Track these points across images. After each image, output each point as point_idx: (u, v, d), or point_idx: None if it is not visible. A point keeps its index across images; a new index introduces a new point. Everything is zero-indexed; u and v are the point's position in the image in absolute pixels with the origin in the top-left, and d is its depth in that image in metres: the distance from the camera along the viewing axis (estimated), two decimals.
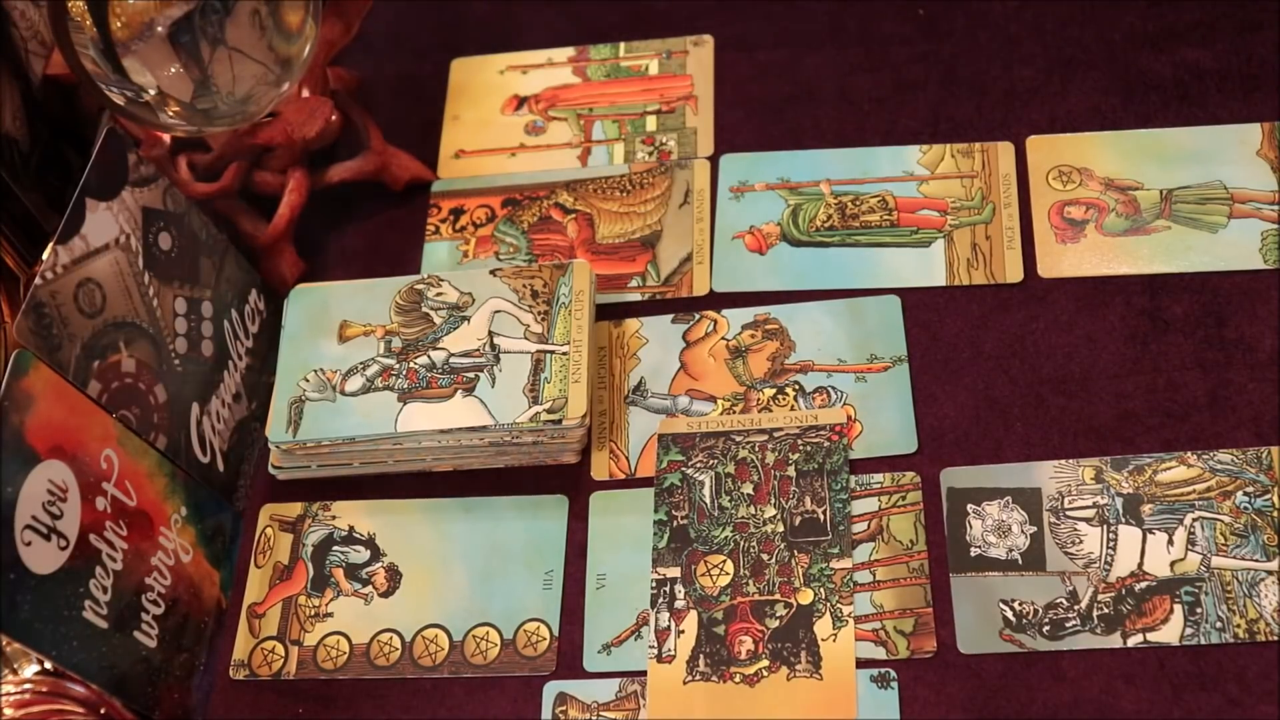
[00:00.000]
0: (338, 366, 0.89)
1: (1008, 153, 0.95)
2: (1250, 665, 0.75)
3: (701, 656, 0.78)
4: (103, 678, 0.77)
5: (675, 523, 0.82)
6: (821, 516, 0.80)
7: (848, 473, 0.83)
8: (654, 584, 0.81)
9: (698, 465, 0.83)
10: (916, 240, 0.92)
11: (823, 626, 0.77)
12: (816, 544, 0.79)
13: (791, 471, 0.83)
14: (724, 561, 0.80)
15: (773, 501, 0.82)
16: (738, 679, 0.77)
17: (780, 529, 0.80)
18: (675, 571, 0.81)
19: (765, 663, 0.77)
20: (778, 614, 0.78)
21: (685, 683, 0.77)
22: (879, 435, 0.85)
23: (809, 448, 0.83)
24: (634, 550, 0.83)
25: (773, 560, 0.79)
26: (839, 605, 0.78)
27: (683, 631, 0.79)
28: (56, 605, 0.74)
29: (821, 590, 0.78)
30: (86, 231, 0.82)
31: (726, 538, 0.81)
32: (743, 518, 0.81)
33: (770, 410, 0.86)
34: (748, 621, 0.78)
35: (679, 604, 0.79)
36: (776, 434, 0.84)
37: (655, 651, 0.78)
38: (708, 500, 0.82)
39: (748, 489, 0.82)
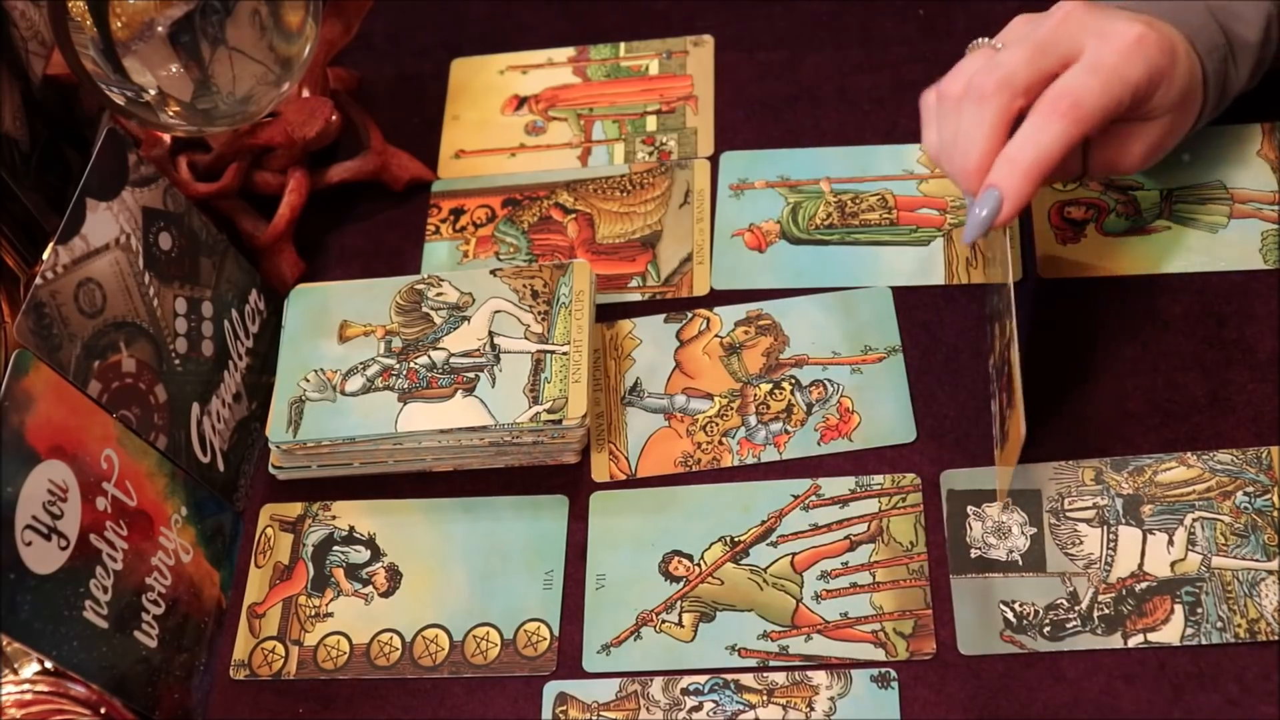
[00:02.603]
0: (338, 366, 0.89)
1: None
2: (1250, 665, 0.75)
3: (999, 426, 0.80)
4: (103, 678, 0.77)
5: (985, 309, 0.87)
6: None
7: None
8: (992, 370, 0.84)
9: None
10: (916, 239, 0.92)
11: (1013, 354, 0.78)
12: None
13: None
14: (1006, 325, 0.80)
15: None
16: (1009, 436, 0.78)
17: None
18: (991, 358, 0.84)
19: (1007, 411, 0.79)
20: (998, 363, 0.82)
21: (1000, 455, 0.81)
22: (877, 426, 0.85)
23: None
24: (634, 551, 0.83)
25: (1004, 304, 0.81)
26: (1010, 324, 0.79)
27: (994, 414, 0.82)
28: (57, 605, 0.74)
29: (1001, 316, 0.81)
30: (86, 231, 0.82)
31: (993, 305, 0.84)
32: None
33: (768, 405, 0.87)
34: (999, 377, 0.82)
35: (995, 384, 0.83)
36: None
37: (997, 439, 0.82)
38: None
39: None
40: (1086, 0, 0.81)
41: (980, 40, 0.83)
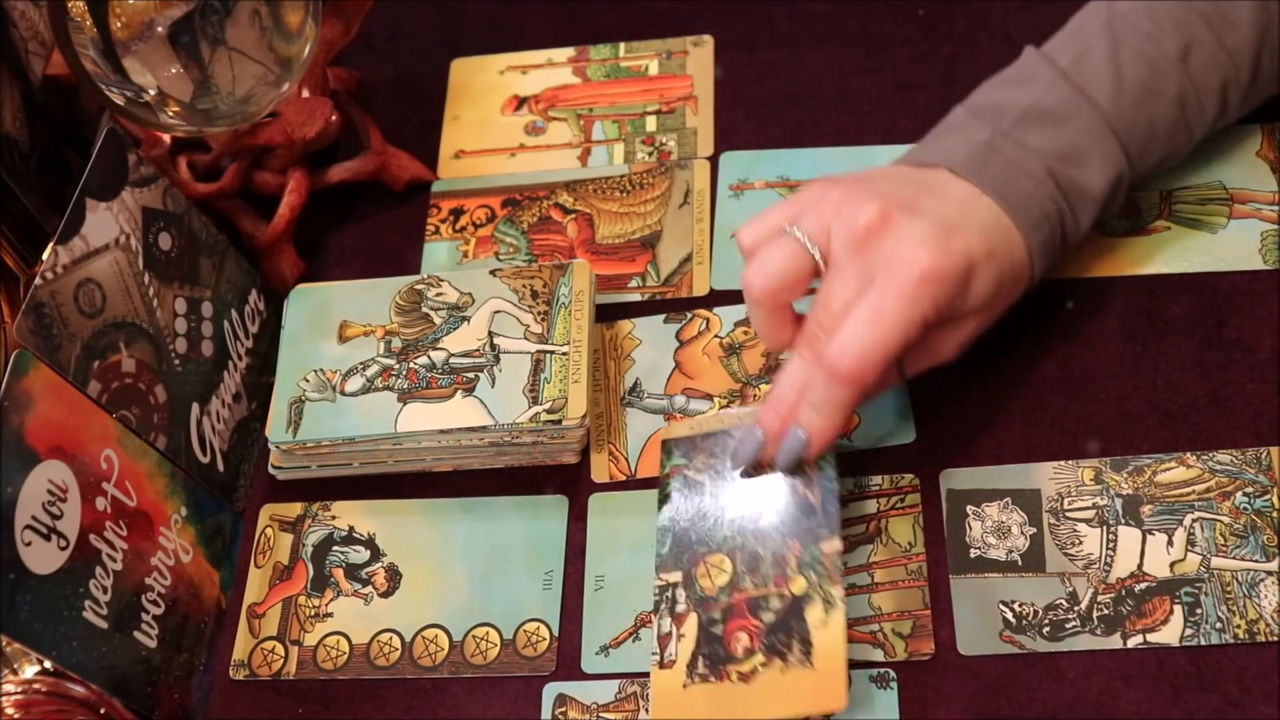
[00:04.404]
0: (338, 366, 0.89)
1: None
2: (1250, 665, 0.75)
3: (700, 658, 0.77)
4: (103, 678, 0.77)
5: (678, 528, 0.81)
6: (811, 498, 0.79)
7: (833, 454, 0.80)
8: (657, 590, 0.80)
9: (699, 467, 0.82)
10: None
11: (814, 614, 0.76)
12: (807, 529, 0.78)
13: None
14: (723, 560, 0.79)
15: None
16: (734, 677, 0.76)
17: (775, 519, 0.79)
18: (677, 576, 0.80)
19: (760, 658, 0.76)
20: (772, 607, 0.77)
21: (685, 686, 0.76)
22: (877, 426, 0.85)
23: None
24: (633, 552, 0.83)
25: (768, 552, 0.78)
26: (829, 589, 0.76)
27: (683, 635, 0.78)
28: (56, 605, 0.74)
29: (812, 575, 0.77)
30: (86, 231, 0.82)
31: (725, 537, 0.80)
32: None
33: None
34: (744, 618, 0.77)
35: (679, 608, 0.79)
36: None
37: (658, 658, 0.78)
38: (708, 500, 0.81)
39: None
40: (908, 166, 0.80)
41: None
